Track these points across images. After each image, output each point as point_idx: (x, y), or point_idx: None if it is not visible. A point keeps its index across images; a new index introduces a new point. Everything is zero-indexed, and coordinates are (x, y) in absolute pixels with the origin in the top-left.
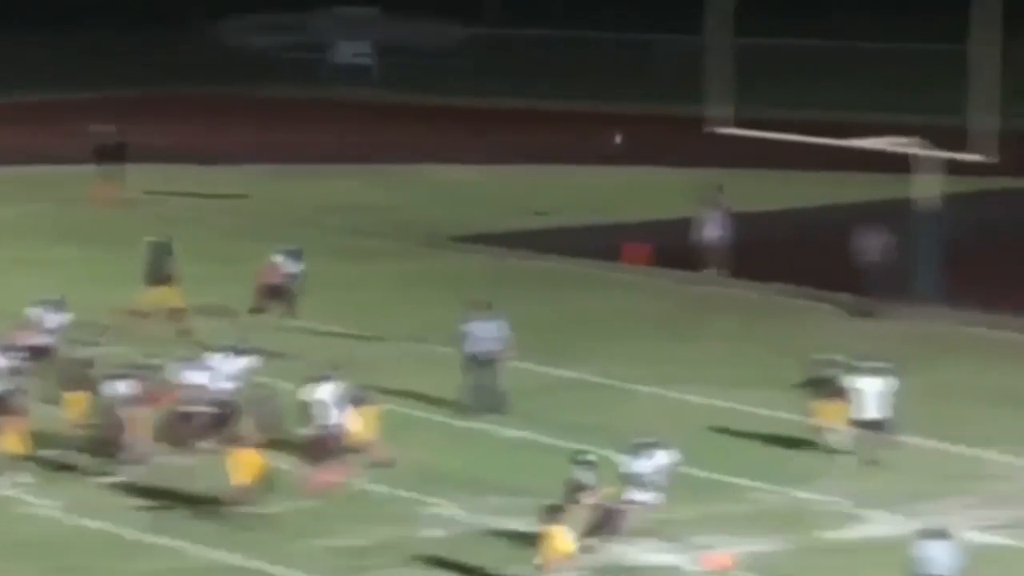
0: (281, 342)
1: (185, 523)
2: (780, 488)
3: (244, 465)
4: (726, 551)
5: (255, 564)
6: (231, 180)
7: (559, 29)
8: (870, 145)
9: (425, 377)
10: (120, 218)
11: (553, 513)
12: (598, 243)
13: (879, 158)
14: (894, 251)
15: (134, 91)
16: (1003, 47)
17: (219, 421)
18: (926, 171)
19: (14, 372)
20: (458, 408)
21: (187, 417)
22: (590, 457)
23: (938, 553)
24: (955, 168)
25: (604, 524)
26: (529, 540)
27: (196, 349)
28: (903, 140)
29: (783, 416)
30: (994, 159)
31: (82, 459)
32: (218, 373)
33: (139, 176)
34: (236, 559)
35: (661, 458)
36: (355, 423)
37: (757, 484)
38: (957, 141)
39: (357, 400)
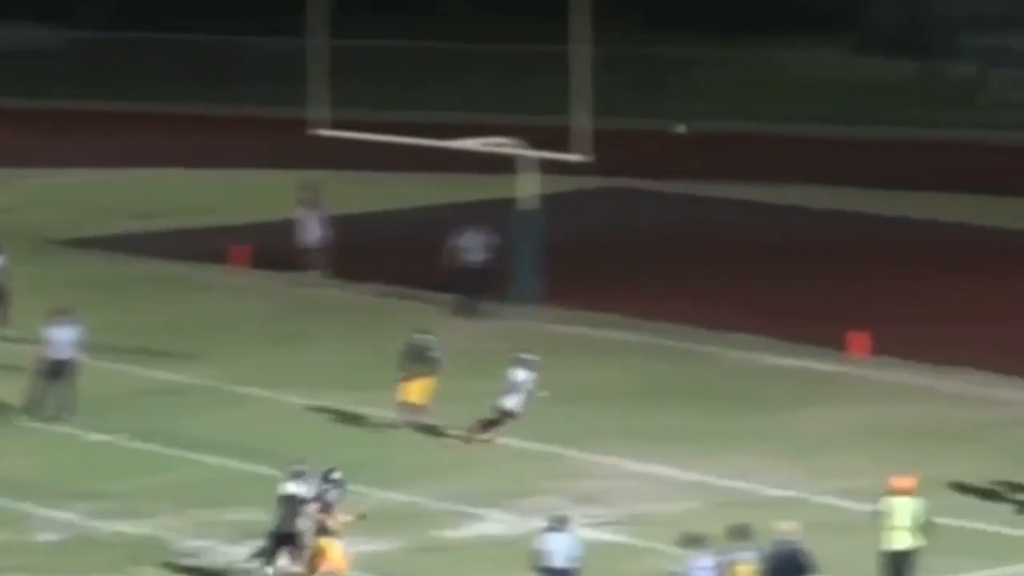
0: None
1: None
2: (388, 489)
3: None
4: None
5: None
6: None
7: (161, 32)
8: (469, 146)
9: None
10: None
11: (321, 532)
12: (205, 246)
13: (482, 159)
14: (495, 251)
15: None
16: (597, 48)
17: None
18: (526, 171)
19: None
20: (29, 412)
21: None
22: (336, 475)
23: (560, 545)
24: (555, 168)
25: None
26: (138, 542)
27: None
28: (502, 140)
29: (391, 416)
30: (590, 158)
31: None
32: None
33: None
34: None
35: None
36: None
37: (364, 488)
38: (558, 141)
39: None
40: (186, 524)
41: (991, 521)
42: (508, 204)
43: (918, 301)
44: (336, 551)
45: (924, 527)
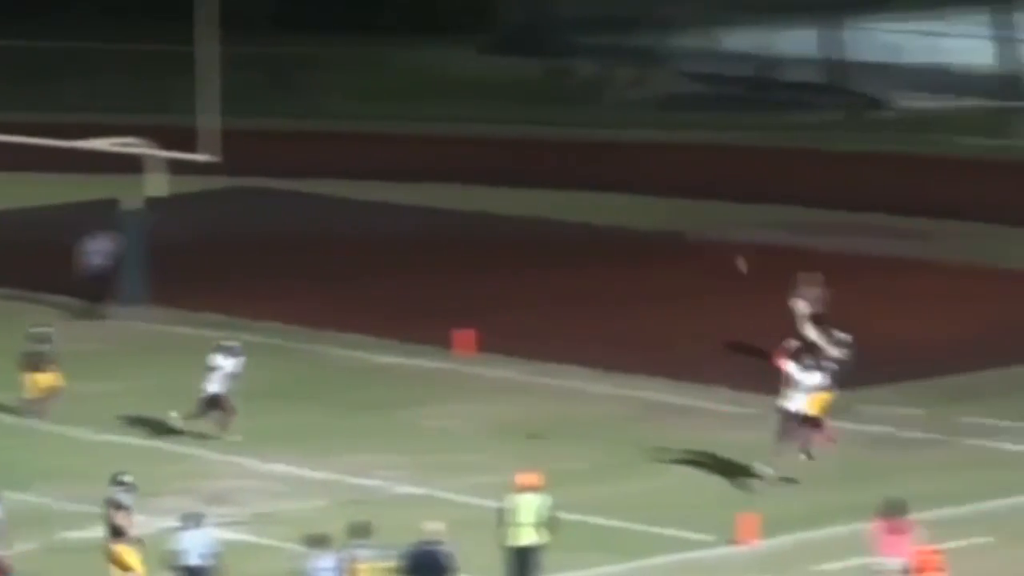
0: None
1: None
2: (19, 491)
3: None
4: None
5: None
6: None
7: None
8: (97, 146)
9: None
10: None
11: (114, 535)
12: None
13: (110, 159)
14: (117, 252)
15: None
16: (225, 48)
17: None
18: (154, 171)
19: None
20: None
21: None
22: (127, 478)
23: (193, 543)
24: (186, 168)
25: None
26: None
27: None
28: (130, 140)
29: (16, 416)
30: (218, 158)
31: None
32: None
33: None
34: None
35: None
36: None
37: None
38: (188, 141)
39: None
40: None
41: (613, 516)
42: (133, 204)
43: (523, 298)
44: (134, 557)
45: (548, 523)
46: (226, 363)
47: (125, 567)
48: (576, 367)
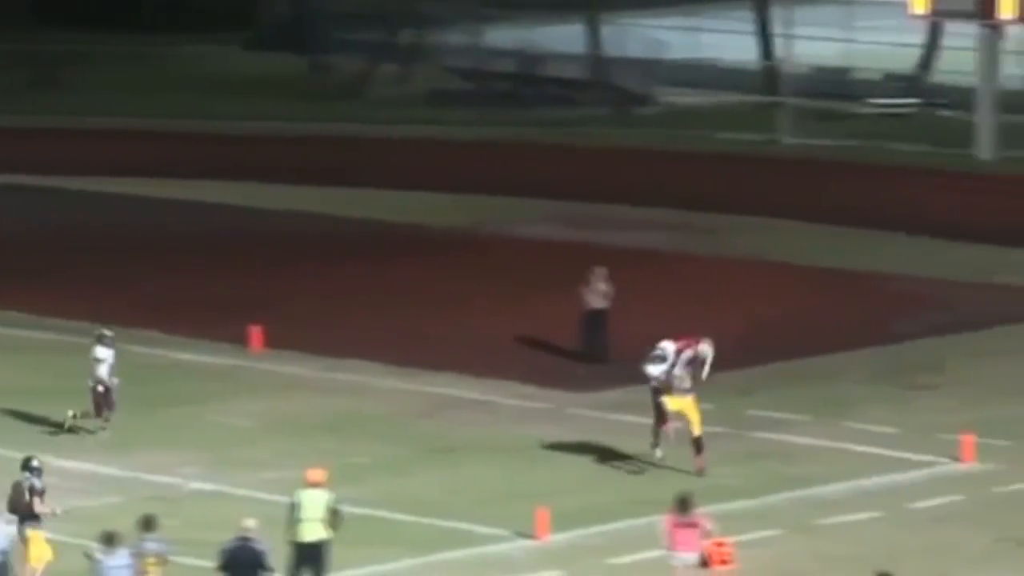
0: None
1: None
2: None
3: None
4: None
5: None
6: None
7: None
8: None
9: None
10: None
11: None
12: None
13: None
14: None
15: None
16: None
17: None
18: None
19: None
20: None
21: None
22: (36, 463)
23: None
24: None
25: None
26: None
27: None
28: None
29: None
30: None
31: None
32: None
33: None
34: None
35: None
36: None
37: None
38: None
39: None
40: None
41: (404, 511)
42: None
43: (312, 294)
44: (42, 544)
45: (334, 518)
46: (108, 353)
47: (43, 551)
48: (366, 362)
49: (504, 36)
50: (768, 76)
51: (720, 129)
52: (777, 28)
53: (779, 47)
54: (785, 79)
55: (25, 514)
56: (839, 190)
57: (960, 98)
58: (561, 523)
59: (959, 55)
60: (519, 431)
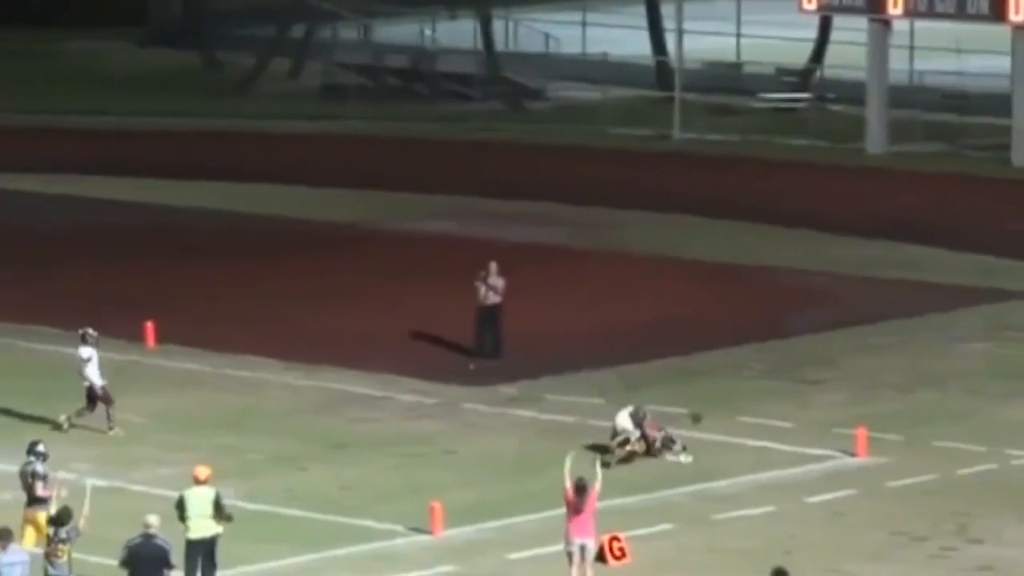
0: None
1: None
2: None
3: None
4: None
5: None
6: None
7: None
8: None
9: None
10: None
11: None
12: None
13: None
14: None
15: None
16: None
17: None
18: None
19: None
20: None
21: None
22: (41, 448)
23: None
24: None
25: None
26: None
27: None
28: None
29: None
30: None
31: None
32: None
33: None
34: None
35: None
36: None
37: None
38: None
39: None
40: None
41: (299, 507)
42: None
43: (207, 290)
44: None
45: (222, 514)
46: (91, 352)
47: (40, 530)
48: (260, 358)
49: (397, 31)
50: (660, 71)
51: (614, 124)
52: (669, 23)
53: (671, 42)
54: (677, 74)
55: (31, 497)
56: (731, 185)
57: (850, 93)
58: (456, 518)
59: (849, 50)
60: (413, 427)
